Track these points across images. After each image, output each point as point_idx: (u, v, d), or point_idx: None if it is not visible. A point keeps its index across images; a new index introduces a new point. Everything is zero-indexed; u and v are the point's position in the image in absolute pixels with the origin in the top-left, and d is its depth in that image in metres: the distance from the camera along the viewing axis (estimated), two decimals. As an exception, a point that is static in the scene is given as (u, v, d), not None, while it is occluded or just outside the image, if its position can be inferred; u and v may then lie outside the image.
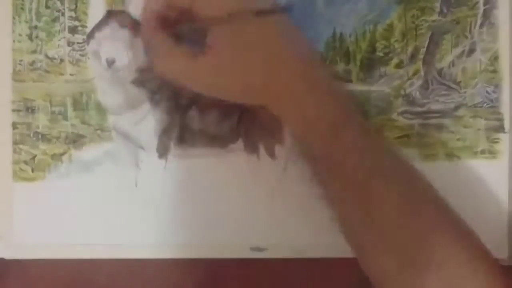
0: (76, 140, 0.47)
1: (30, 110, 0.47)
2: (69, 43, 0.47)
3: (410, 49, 0.47)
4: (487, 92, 0.47)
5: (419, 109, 0.47)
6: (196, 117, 0.46)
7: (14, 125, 0.47)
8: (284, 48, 0.38)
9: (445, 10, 0.47)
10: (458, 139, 0.47)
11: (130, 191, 0.47)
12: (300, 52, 0.39)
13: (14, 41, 0.47)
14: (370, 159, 0.37)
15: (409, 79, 0.47)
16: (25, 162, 0.47)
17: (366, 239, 0.38)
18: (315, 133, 0.38)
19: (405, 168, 0.39)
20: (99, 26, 0.46)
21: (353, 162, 0.37)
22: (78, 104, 0.47)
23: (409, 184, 0.38)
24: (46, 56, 0.47)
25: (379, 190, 0.37)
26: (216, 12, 0.37)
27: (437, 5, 0.47)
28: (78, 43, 0.47)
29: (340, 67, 0.47)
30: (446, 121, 0.47)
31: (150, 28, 0.39)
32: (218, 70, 0.38)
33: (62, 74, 0.47)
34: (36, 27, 0.47)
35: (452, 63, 0.47)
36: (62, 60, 0.47)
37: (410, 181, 0.38)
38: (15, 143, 0.47)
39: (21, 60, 0.47)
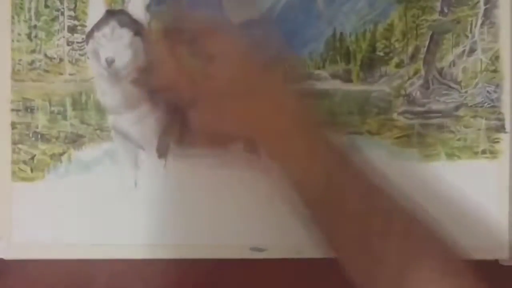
0: (75, 140, 0.47)
1: (29, 109, 0.46)
2: (69, 43, 0.47)
3: (410, 48, 0.47)
4: (487, 91, 0.46)
5: (419, 109, 0.47)
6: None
7: (13, 125, 0.46)
8: (282, 94, 0.39)
9: (445, 10, 0.47)
10: (458, 139, 0.47)
11: (130, 191, 0.47)
12: (295, 97, 0.40)
13: (13, 40, 0.46)
14: (369, 200, 0.37)
15: (409, 78, 0.47)
16: (24, 162, 0.46)
17: (366, 275, 0.37)
18: (309, 180, 0.38)
19: (403, 207, 0.38)
20: (98, 26, 0.46)
21: (351, 204, 0.37)
22: (78, 104, 0.47)
23: (409, 224, 0.37)
24: (45, 55, 0.47)
25: (379, 230, 0.36)
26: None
27: (438, 4, 0.46)
28: (77, 42, 0.47)
29: (341, 66, 0.47)
30: (447, 121, 0.47)
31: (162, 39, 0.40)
32: (218, 99, 0.38)
33: (61, 74, 0.47)
34: (35, 26, 0.46)
35: (453, 63, 0.47)
36: (61, 60, 0.47)
37: (410, 221, 0.38)
38: (14, 143, 0.46)
39: (20, 60, 0.46)
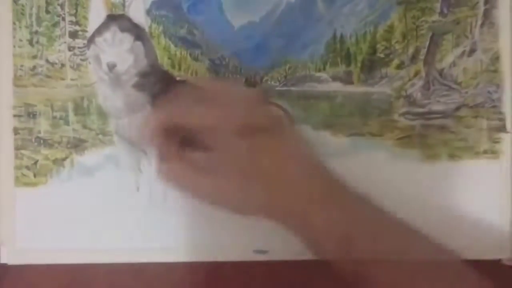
0: (77, 145, 0.47)
1: (32, 115, 0.47)
2: (70, 48, 0.47)
3: (410, 50, 0.47)
4: (488, 92, 0.47)
5: (420, 109, 0.47)
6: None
7: (16, 131, 0.47)
8: (289, 165, 0.37)
9: (445, 11, 0.47)
10: (459, 140, 0.47)
11: (132, 195, 0.47)
12: (304, 159, 0.38)
13: (14, 46, 0.47)
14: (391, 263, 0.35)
15: (410, 80, 0.47)
16: (27, 167, 0.47)
17: None
18: (326, 247, 0.36)
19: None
20: (99, 31, 0.46)
21: (371, 269, 0.35)
22: (79, 109, 0.47)
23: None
24: (47, 61, 0.47)
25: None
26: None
27: (437, 5, 0.47)
28: (78, 47, 0.47)
29: (341, 68, 0.47)
30: (448, 122, 0.47)
31: (155, 135, 0.38)
32: (221, 190, 0.37)
33: (63, 79, 0.47)
34: (36, 32, 0.47)
35: (453, 64, 0.47)
36: (63, 65, 0.47)
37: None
38: (16, 148, 0.47)
39: (22, 65, 0.47)
